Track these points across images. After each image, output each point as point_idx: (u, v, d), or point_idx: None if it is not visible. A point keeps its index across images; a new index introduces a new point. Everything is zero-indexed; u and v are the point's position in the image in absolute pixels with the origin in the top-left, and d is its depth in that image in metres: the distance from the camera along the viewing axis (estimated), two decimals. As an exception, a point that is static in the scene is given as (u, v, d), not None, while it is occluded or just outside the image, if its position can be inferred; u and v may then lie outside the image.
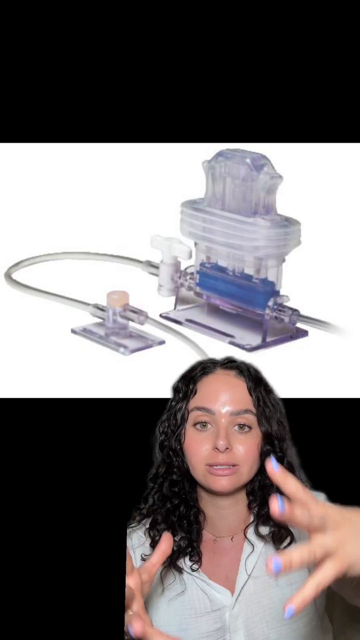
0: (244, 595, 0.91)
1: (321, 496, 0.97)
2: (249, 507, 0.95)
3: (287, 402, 0.96)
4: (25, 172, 1.56)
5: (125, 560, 0.75)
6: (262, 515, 0.94)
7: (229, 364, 0.95)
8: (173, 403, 0.95)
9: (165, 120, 1.24)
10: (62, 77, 1.23)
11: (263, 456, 0.93)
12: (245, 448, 0.91)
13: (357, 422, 1.16)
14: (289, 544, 0.93)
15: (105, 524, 0.78)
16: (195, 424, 0.93)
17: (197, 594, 0.92)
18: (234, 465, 0.91)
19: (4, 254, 1.34)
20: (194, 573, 0.93)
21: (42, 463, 0.80)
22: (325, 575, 0.65)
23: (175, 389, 0.96)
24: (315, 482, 0.97)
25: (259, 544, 0.93)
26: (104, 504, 0.79)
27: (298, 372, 1.05)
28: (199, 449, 0.92)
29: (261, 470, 0.94)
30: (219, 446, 0.90)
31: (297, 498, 0.66)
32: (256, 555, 0.93)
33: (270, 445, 0.94)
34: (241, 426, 0.92)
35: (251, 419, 0.92)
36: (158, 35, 1.20)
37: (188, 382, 0.95)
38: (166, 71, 1.22)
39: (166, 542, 0.79)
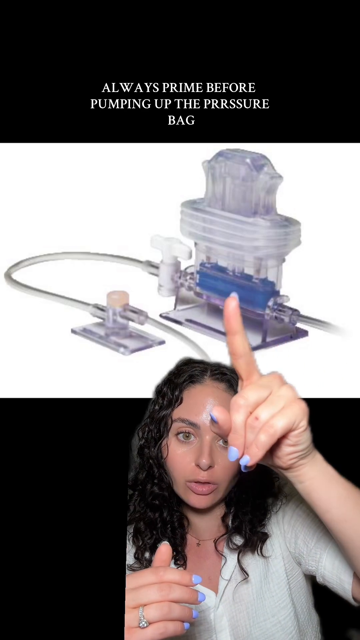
0: (227, 595, 0.92)
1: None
2: (223, 519, 0.96)
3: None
4: (25, 172, 1.56)
5: (125, 560, 0.75)
6: (234, 527, 0.94)
7: (219, 375, 0.93)
8: (156, 407, 0.94)
9: (165, 120, 1.24)
10: (61, 77, 1.23)
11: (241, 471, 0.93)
12: (227, 465, 0.90)
13: (357, 422, 1.16)
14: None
15: (105, 523, 0.78)
16: (178, 434, 0.92)
17: None
18: (213, 484, 0.90)
19: (4, 254, 1.34)
20: None
21: (42, 463, 0.80)
22: (273, 424, 0.68)
23: (159, 393, 0.94)
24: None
25: (232, 556, 0.94)
26: (104, 504, 0.78)
27: (298, 372, 1.05)
28: (180, 463, 0.91)
29: (238, 483, 0.94)
30: (202, 465, 0.89)
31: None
32: (231, 564, 0.93)
33: None
34: (225, 442, 0.89)
35: None
36: (158, 35, 1.21)
37: (174, 388, 0.93)
38: (166, 71, 1.22)
39: (166, 553, 0.76)
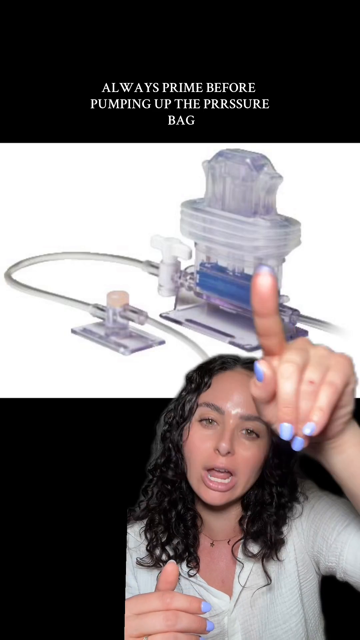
0: (241, 599, 0.91)
1: (306, 484, 0.96)
2: (240, 522, 0.93)
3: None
4: (25, 172, 1.56)
5: (125, 559, 0.75)
6: (251, 533, 0.91)
7: (251, 364, 0.91)
8: (183, 393, 0.92)
9: (165, 120, 1.24)
10: (61, 77, 1.23)
11: (267, 469, 0.90)
12: (247, 455, 0.87)
13: (357, 422, 1.15)
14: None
15: (105, 523, 0.78)
16: (201, 420, 0.89)
17: None
18: (231, 475, 0.87)
19: (4, 254, 1.34)
20: (191, 578, 0.92)
21: (42, 463, 0.80)
22: (333, 381, 0.63)
23: (189, 379, 0.92)
24: (315, 482, 0.97)
25: (248, 563, 0.91)
26: (104, 504, 0.78)
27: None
28: (199, 446, 0.88)
29: (259, 484, 0.91)
30: (221, 448, 0.86)
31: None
32: (246, 571, 0.91)
33: (277, 458, 0.90)
34: (249, 431, 0.88)
35: (261, 427, 0.88)
36: (158, 35, 1.21)
37: (204, 374, 0.91)
38: (166, 71, 1.22)
39: (172, 573, 0.69)
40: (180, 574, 0.90)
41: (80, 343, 1.11)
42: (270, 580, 0.90)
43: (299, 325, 1.11)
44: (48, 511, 0.79)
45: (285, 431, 0.63)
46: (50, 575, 0.78)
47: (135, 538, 0.94)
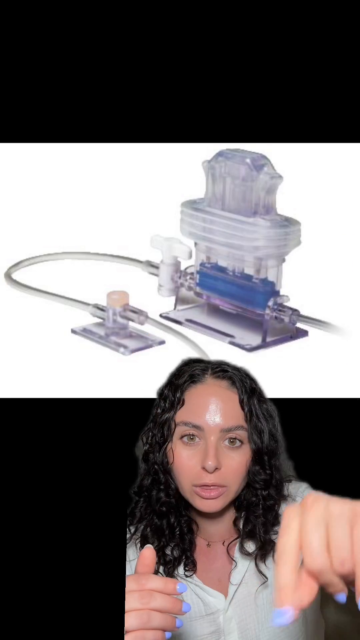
0: (237, 598, 0.91)
1: (303, 486, 0.96)
2: (234, 523, 0.94)
3: (287, 402, 0.96)
4: (25, 172, 1.56)
5: (125, 560, 0.75)
6: (246, 532, 0.92)
7: (221, 373, 0.91)
8: (159, 411, 0.91)
9: (165, 120, 1.24)
10: (62, 77, 1.23)
11: (250, 475, 0.90)
12: (234, 465, 0.88)
13: (357, 422, 1.16)
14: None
15: (105, 524, 0.78)
16: (182, 437, 0.89)
17: (191, 598, 0.91)
18: (221, 486, 0.88)
19: (4, 254, 1.34)
20: (187, 578, 0.92)
21: (42, 463, 0.80)
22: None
23: (161, 396, 0.92)
24: (315, 482, 0.97)
25: (244, 562, 0.92)
26: (104, 504, 0.78)
27: (298, 372, 1.05)
28: (186, 465, 0.89)
29: (247, 485, 0.92)
30: (208, 467, 0.86)
31: None
32: (241, 569, 0.92)
33: (259, 465, 0.90)
34: (232, 440, 0.88)
35: (242, 434, 0.89)
36: (158, 35, 1.20)
37: (175, 390, 0.90)
38: (166, 71, 1.22)
39: (149, 557, 0.71)
40: (177, 575, 0.91)
41: (80, 343, 1.11)
42: (267, 578, 0.90)
43: (299, 325, 1.11)
44: (48, 511, 0.79)
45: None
46: (50, 575, 0.78)
47: (134, 551, 0.94)
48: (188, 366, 0.93)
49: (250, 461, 0.90)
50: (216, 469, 0.87)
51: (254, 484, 0.91)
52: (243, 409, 0.89)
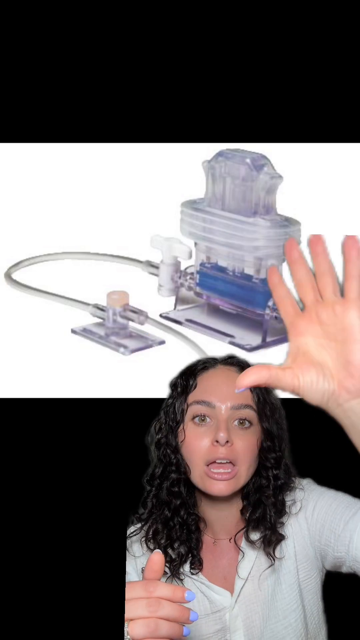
0: (243, 596, 0.91)
1: (304, 481, 0.97)
2: (242, 512, 0.94)
3: (287, 402, 0.96)
4: (25, 172, 1.56)
5: (126, 561, 0.75)
6: (253, 520, 0.93)
7: (231, 360, 0.95)
8: (170, 400, 0.94)
9: (165, 120, 1.24)
10: (62, 77, 1.23)
11: (262, 453, 0.92)
12: (244, 445, 0.90)
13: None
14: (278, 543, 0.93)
15: (105, 524, 0.78)
16: (194, 418, 0.91)
17: (197, 596, 0.92)
18: (233, 465, 0.89)
19: (4, 254, 1.34)
20: (193, 576, 0.92)
21: (42, 463, 0.80)
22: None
23: (173, 385, 0.94)
24: (315, 481, 0.97)
25: (250, 552, 0.93)
26: (104, 504, 0.78)
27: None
28: (198, 444, 0.90)
29: (256, 472, 0.93)
30: (220, 439, 0.88)
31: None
32: (249, 561, 0.92)
33: (270, 442, 0.92)
34: (241, 421, 0.90)
35: (252, 414, 0.91)
36: (158, 36, 1.21)
37: (188, 376, 0.93)
38: (166, 71, 1.22)
39: (158, 562, 0.71)
40: (183, 573, 0.91)
41: (80, 343, 1.11)
42: (274, 559, 0.91)
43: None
44: (48, 511, 0.79)
45: None
46: (50, 575, 0.78)
47: (139, 547, 0.95)
48: (200, 360, 0.96)
49: (261, 441, 0.92)
50: (227, 442, 0.88)
51: (265, 462, 0.93)
52: (252, 392, 0.92)
